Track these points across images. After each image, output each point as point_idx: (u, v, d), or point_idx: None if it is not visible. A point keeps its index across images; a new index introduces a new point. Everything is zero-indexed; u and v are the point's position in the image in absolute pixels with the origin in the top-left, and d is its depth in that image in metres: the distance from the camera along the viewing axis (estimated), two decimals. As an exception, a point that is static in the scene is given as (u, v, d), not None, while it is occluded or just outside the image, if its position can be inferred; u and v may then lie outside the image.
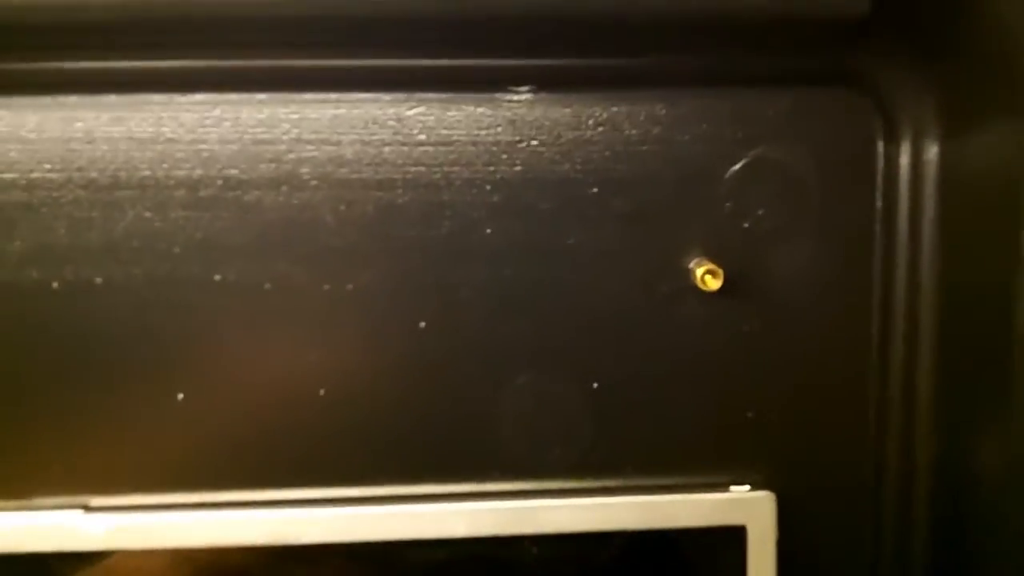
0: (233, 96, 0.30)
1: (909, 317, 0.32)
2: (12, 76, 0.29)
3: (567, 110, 0.31)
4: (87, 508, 0.31)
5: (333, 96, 0.30)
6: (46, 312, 0.30)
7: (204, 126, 0.30)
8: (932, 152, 0.32)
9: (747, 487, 0.33)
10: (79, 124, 0.30)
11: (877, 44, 0.30)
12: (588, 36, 0.29)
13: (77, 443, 0.31)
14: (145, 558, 0.31)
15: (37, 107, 0.30)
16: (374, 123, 0.30)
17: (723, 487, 0.33)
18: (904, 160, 0.32)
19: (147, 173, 0.30)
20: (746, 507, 0.33)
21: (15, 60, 0.29)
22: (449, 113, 0.31)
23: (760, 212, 0.32)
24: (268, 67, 0.29)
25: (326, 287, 0.31)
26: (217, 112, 0.30)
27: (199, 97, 0.30)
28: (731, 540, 0.33)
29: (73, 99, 0.30)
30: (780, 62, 0.31)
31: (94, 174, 0.30)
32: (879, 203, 0.32)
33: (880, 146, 0.32)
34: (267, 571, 0.31)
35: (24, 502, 0.31)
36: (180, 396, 0.31)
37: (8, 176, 0.30)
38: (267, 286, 0.31)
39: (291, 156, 0.30)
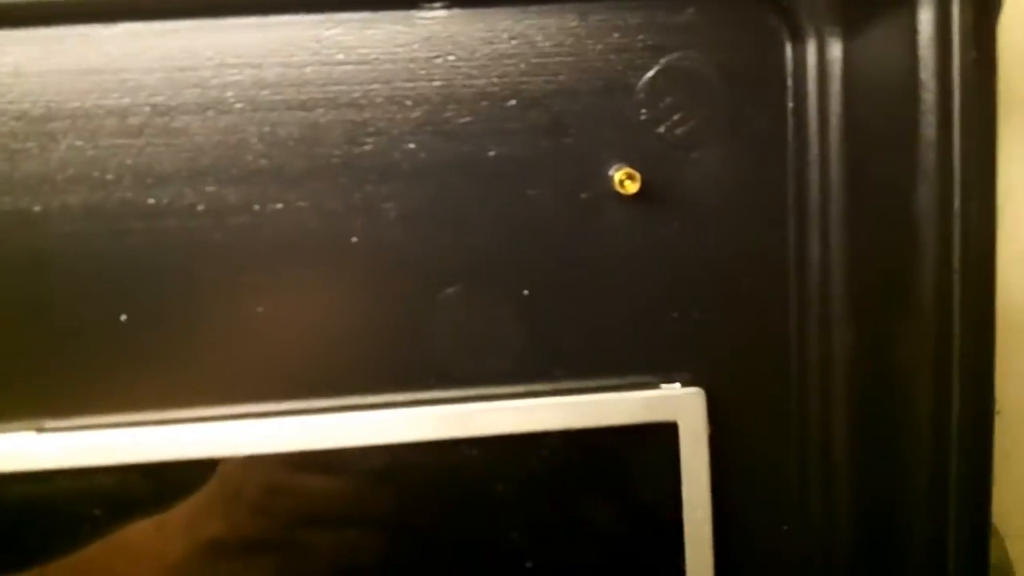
0: (156, 25, 0.31)
1: (822, 213, 0.34)
2: None
3: (481, 24, 0.32)
4: (40, 430, 0.32)
5: (253, 20, 0.31)
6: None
7: (128, 55, 0.31)
8: (836, 51, 0.33)
9: (677, 385, 0.34)
10: (8, 59, 0.31)
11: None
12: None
13: (28, 369, 0.32)
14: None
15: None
16: (294, 45, 0.32)
17: (653, 386, 0.34)
18: (811, 60, 0.33)
19: (77, 104, 0.31)
20: (676, 404, 0.34)
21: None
22: (367, 32, 0.32)
23: (674, 118, 0.33)
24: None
25: (256, 207, 0.32)
26: (140, 41, 0.31)
27: (122, 27, 0.31)
28: (664, 437, 0.34)
29: (1, 34, 0.31)
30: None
31: (26, 106, 0.31)
32: (789, 104, 0.33)
33: (787, 48, 0.33)
34: (222, 483, 0.33)
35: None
36: (123, 317, 0.32)
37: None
38: (200, 207, 0.32)
39: (215, 81, 0.32)
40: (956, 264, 0.30)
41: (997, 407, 0.32)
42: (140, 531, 0.33)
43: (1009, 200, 0.37)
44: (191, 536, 0.33)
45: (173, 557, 0.33)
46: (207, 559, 0.33)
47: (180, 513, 0.33)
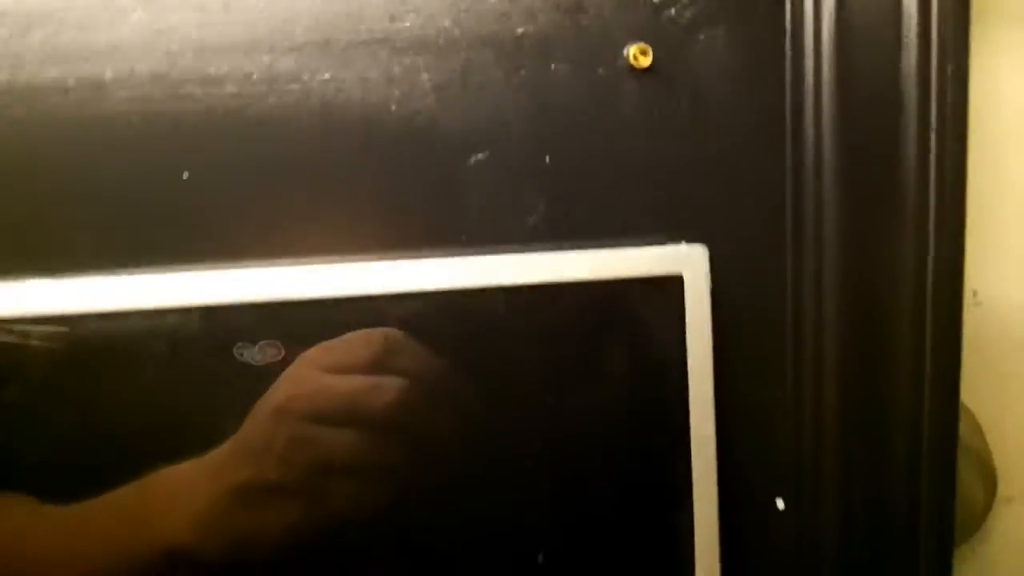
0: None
1: (816, 88, 0.37)
2: None
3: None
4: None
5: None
6: (59, 106, 0.35)
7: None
8: None
9: (683, 244, 0.38)
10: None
11: None
12: None
13: (98, 220, 0.36)
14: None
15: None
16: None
17: (662, 244, 0.38)
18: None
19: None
20: (682, 258, 0.38)
21: None
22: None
23: (683, 2, 0.37)
24: None
25: (305, 77, 0.36)
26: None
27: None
28: (670, 288, 0.38)
29: None
30: None
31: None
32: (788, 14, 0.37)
33: None
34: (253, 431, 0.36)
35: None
36: (185, 175, 0.36)
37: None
38: (255, 76, 0.36)
39: None
40: (932, 150, 0.34)
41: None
42: (175, 473, 0.36)
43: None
44: (222, 480, 0.36)
45: (204, 500, 0.36)
46: (235, 503, 0.36)
47: (213, 458, 0.36)
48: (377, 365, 0.36)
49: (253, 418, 0.36)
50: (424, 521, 0.37)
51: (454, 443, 0.37)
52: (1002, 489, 0.56)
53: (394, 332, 0.36)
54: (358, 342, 0.36)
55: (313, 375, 0.36)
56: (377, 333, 0.36)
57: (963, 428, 0.52)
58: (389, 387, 0.36)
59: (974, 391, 0.54)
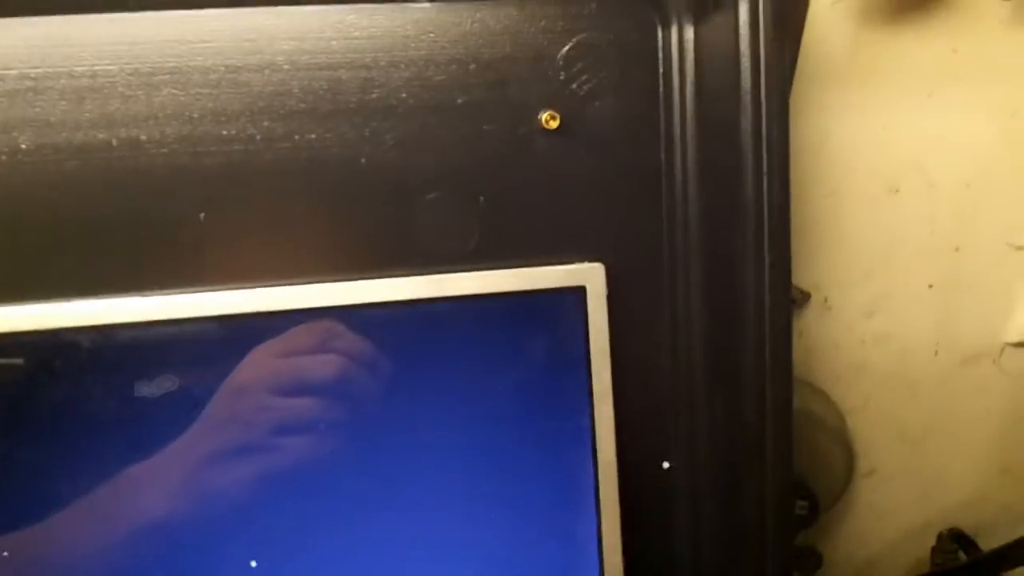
0: (230, 10, 0.46)
1: (682, 140, 0.50)
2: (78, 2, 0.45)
3: (452, 13, 0.48)
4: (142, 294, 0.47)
5: (300, 8, 0.46)
6: (107, 161, 0.46)
7: (212, 30, 0.46)
8: (690, 33, 0.49)
9: (585, 262, 0.50)
10: (128, 31, 0.45)
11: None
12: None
13: (130, 252, 0.47)
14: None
15: (97, 22, 0.45)
16: (325, 24, 0.47)
17: (569, 262, 0.50)
18: (674, 38, 0.50)
19: (174, 64, 0.46)
20: (585, 273, 0.50)
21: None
22: (374, 17, 0.47)
23: (583, 78, 0.49)
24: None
25: (296, 137, 0.47)
26: (220, 21, 0.46)
27: (208, 12, 0.46)
28: (576, 298, 0.50)
29: (121, 16, 0.46)
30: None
31: (137, 65, 0.46)
32: (660, 69, 0.50)
33: (658, 30, 0.50)
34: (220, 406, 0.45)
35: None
36: (202, 215, 0.47)
37: (78, 69, 0.46)
38: (257, 137, 0.47)
39: (269, 49, 0.47)
40: (764, 181, 0.47)
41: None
42: (145, 466, 0.45)
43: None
44: (194, 452, 0.44)
45: (179, 473, 0.45)
46: (208, 467, 0.45)
47: (182, 440, 0.44)
48: (320, 347, 0.46)
49: (218, 398, 0.45)
50: (361, 467, 0.48)
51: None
52: (863, 464, 0.68)
53: (333, 323, 0.46)
54: (303, 331, 0.46)
55: (268, 359, 0.46)
56: (319, 323, 0.46)
57: (824, 411, 0.65)
58: (332, 362, 0.46)
59: (832, 381, 0.67)
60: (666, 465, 0.52)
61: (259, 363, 0.45)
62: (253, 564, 0.46)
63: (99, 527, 0.45)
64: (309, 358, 0.46)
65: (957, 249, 0.61)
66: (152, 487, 0.45)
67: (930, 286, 0.62)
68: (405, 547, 0.48)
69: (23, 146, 0.44)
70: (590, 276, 0.49)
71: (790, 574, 0.50)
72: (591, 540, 0.50)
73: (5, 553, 0.44)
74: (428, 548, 0.49)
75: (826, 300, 0.61)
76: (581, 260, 0.49)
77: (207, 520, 0.46)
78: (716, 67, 0.47)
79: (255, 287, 0.46)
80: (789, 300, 0.47)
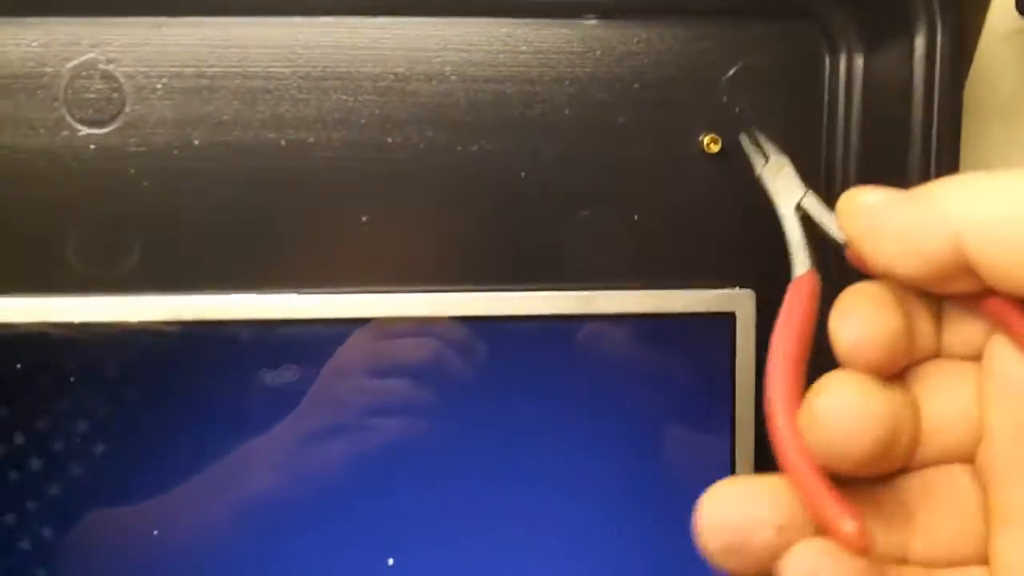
0: (401, 19, 0.47)
1: (843, 171, 0.49)
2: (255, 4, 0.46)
3: (619, 31, 0.48)
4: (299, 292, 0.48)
5: (469, 19, 0.47)
6: (275, 161, 0.47)
7: (385, 37, 0.47)
8: (859, 61, 0.49)
9: (736, 287, 0.50)
10: (301, 37, 0.47)
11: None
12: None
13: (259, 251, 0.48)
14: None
15: (272, 25, 0.46)
16: (493, 38, 0.47)
17: (719, 287, 0.50)
18: (841, 68, 0.49)
19: (344, 70, 0.47)
20: (735, 299, 0.49)
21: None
22: (543, 31, 0.48)
23: (746, 102, 0.49)
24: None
25: (456, 150, 0.48)
26: (392, 31, 0.47)
27: (382, 19, 0.47)
28: (724, 324, 0.50)
29: (297, 19, 0.47)
30: (757, 3, 0.48)
31: (309, 70, 0.47)
32: (826, 97, 0.49)
33: (825, 57, 0.49)
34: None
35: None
36: (363, 218, 0.48)
37: (252, 69, 0.47)
38: (421, 146, 0.47)
39: (437, 59, 0.47)
40: None
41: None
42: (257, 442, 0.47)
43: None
44: (297, 431, 0.46)
45: (284, 450, 0.46)
46: (307, 446, 0.46)
47: (288, 420, 0.46)
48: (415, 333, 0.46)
49: (317, 383, 0.46)
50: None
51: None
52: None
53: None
54: None
55: (364, 344, 0.46)
56: None
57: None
58: (427, 344, 0.47)
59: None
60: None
61: (356, 347, 0.46)
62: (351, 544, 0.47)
63: (207, 504, 0.46)
64: (406, 340, 0.46)
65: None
66: (256, 466, 0.46)
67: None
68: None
69: (195, 142, 0.46)
70: (740, 302, 0.48)
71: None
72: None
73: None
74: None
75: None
76: (732, 287, 0.48)
77: (306, 499, 0.47)
78: (885, 98, 0.46)
79: (406, 291, 0.46)
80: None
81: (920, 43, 0.45)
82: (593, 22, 0.47)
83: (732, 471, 0.49)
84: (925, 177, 0.45)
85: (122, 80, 0.45)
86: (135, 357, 0.45)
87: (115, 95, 0.45)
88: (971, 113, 0.52)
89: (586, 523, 0.49)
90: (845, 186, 0.49)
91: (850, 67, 0.49)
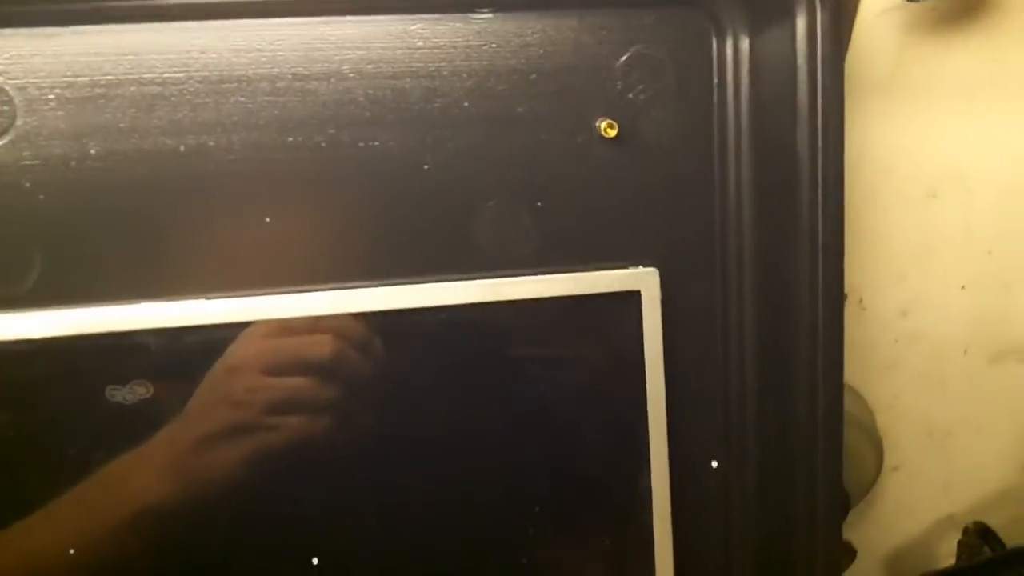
0: (299, 19, 0.47)
1: (736, 149, 0.51)
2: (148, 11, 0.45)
3: (514, 24, 0.49)
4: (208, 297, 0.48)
5: (364, 18, 0.47)
6: (176, 167, 0.46)
7: (279, 39, 0.46)
8: (745, 44, 0.51)
9: (640, 267, 0.51)
10: (198, 41, 0.46)
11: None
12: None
13: (182, 251, 0.48)
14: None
15: (167, 30, 0.46)
16: (389, 35, 0.48)
17: (624, 267, 0.51)
18: (728, 51, 0.51)
19: (241, 73, 0.47)
20: (640, 278, 0.51)
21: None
22: (437, 27, 0.48)
23: (639, 88, 0.50)
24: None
25: (360, 144, 0.48)
26: (287, 30, 0.47)
27: (279, 20, 0.46)
28: (631, 302, 0.51)
29: (192, 24, 0.46)
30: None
31: (207, 73, 0.46)
32: (715, 79, 0.51)
33: (713, 41, 0.51)
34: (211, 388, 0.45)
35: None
36: (267, 219, 0.48)
37: (147, 76, 0.47)
38: (323, 144, 0.48)
39: (336, 58, 0.48)
40: (819, 191, 0.48)
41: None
42: (133, 456, 0.45)
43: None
44: (185, 435, 0.44)
45: (169, 457, 0.44)
46: (198, 450, 0.45)
47: (172, 425, 0.45)
48: (314, 328, 0.46)
49: (208, 380, 0.45)
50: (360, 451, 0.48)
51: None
52: (889, 459, 0.69)
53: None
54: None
55: (258, 341, 0.46)
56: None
57: (855, 408, 0.66)
58: (326, 341, 0.47)
59: (864, 378, 0.68)
60: (715, 464, 0.53)
61: (249, 345, 0.45)
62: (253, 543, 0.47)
63: (87, 521, 0.45)
64: (304, 337, 0.46)
65: (990, 252, 0.62)
66: (141, 475, 0.45)
67: (963, 287, 0.63)
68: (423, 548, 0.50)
69: (92, 152, 0.45)
70: (645, 281, 0.50)
71: (839, 571, 0.52)
72: (644, 538, 0.51)
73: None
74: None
75: (861, 301, 0.62)
76: (636, 265, 0.50)
77: (202, 503, 0.46)
78: (772, 78, 0.48)
79: (316, 290, 0.47)
80: (841, 305, 0.48)
81: (801, 24, 0.46)
82: (488, 16, 0.48)
83: (646, 440, 0.50)
84: (812, 151, 0.46)
85: (12, 93, 0.44)
86: (35, 370, 0.45)
87: (5, 108, 0.44)
88: (853, 88, 0.54)
89: (504, 509, 0.50)
90: (738, 163, 0.50)
91: (737, 50, 0.50)
